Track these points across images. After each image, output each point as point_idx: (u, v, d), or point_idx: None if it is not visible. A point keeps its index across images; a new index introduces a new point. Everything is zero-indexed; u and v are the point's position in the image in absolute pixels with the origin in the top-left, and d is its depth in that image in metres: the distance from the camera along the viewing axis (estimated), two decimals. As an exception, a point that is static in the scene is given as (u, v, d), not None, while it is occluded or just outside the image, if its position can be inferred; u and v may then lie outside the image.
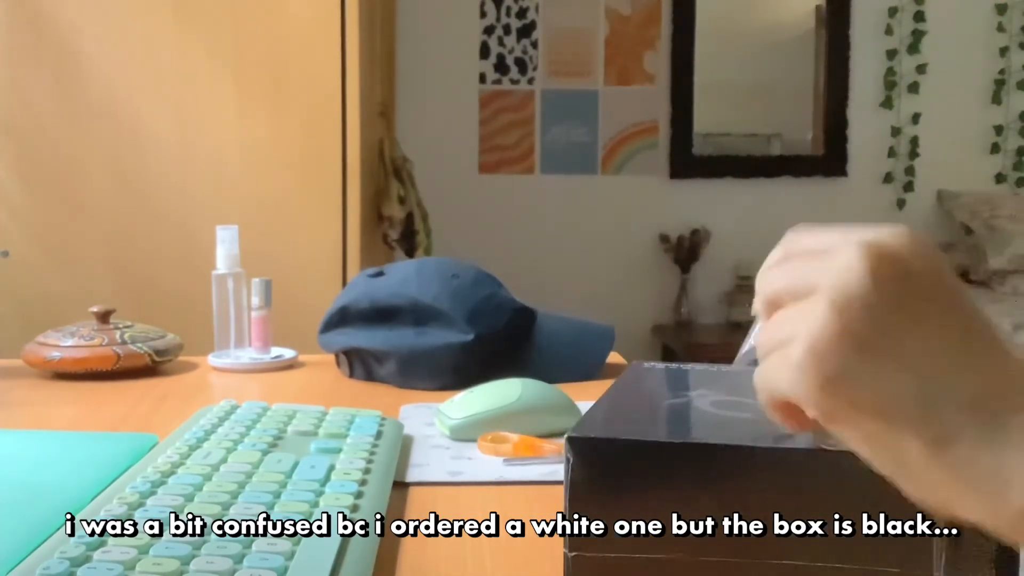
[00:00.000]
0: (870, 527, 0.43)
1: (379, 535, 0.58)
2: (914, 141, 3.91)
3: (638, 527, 0.45)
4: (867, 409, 0.35)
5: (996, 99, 3.91)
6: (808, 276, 0.37)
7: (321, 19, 1.80)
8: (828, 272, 0.36)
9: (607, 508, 0.45)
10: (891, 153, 3.93)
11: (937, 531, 0.42)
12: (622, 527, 0.45)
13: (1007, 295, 3.45)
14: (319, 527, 0.55)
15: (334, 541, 0.54)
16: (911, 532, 0.43)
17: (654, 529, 0.44)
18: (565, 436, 0.46)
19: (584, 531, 0.45)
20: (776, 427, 0.48)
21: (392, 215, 2.22)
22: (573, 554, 0.45)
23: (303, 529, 0.55)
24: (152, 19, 1.79)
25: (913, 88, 3.89)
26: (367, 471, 0.68)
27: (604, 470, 0.45)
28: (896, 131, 3.92)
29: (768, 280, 0.39)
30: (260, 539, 0.53)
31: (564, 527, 0.45)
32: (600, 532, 0.45)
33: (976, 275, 3.66)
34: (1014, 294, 3.44)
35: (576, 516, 0.45)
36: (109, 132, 1.80)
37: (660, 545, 0.45)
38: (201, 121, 1.80)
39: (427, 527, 0.64)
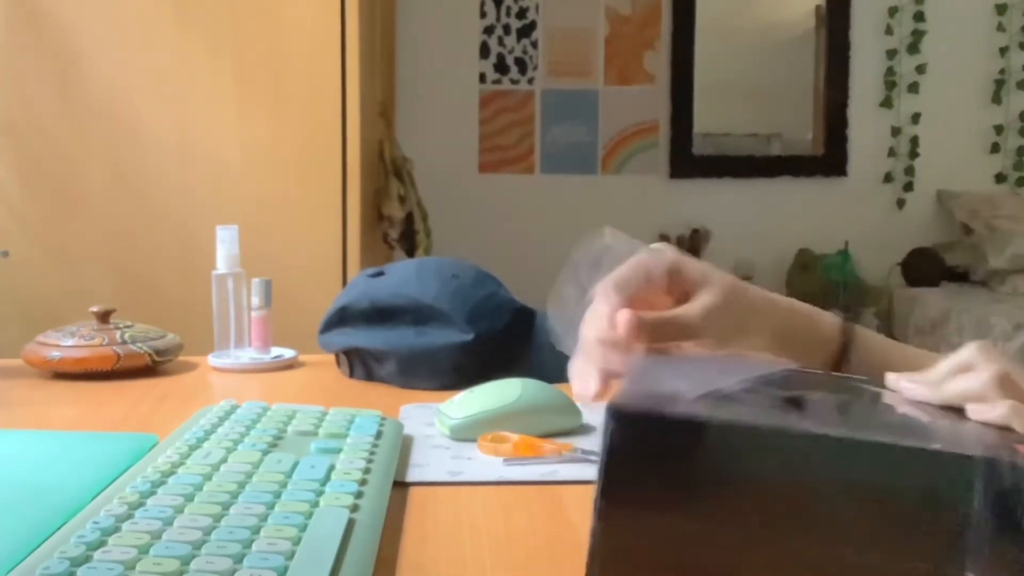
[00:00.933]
0: (907, 523, 0.43)
1: (379, 535, 0.58)
2: (914, 141, 3.92)
3: (673, 499, 0.45)
4: None
5: (996, 99, 3.91)
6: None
7: (321, 19, 1.80)
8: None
9: (643, 479, 0.45)
10: (891, 153, 3.93)
11: (970, 526, 0.42)
12: (658, 499, 0.45)
13: (1007, 295, 3.45)
14: (319, 527, 0.55)
15: (334, 541, 0.54)
16: (944, 532, 0.43)
17: (687, 503, 0.45)
18: (606, 405, 0.46)
19: (617, 500, 0.45)
20: (811, 414, 0.48)
21: (392, 215, 2.22)
22: (603, 523, 0.45)
23: (303, 529, 0.55)
24: (152, 19, 1.79)
25: (913, 88, 3.90)
26: (367, 471, 0.68)
27: (646, 444, 0.45)
28: (896, 131, 3.92)
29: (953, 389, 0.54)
30: (260, 539, 0.53)
31: (598, 492, 0.45)
32: (634, 502, 0.45)
33: (976, 275, 3.66)
34: (1014, 294, 3.44)
35: (611, 485, 0.45)
36: (109, 132, 1.80)
37: (691, 519, 0.45)
38: (201, 121, 1.80)
39: (427, 527, 0.64)
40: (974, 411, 0.52)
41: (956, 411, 0.52)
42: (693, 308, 0.62)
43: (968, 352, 0.55)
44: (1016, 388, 0.52)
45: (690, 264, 0.65)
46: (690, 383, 0.51)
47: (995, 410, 0.51)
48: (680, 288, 0.64)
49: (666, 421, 0.46)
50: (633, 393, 0.49)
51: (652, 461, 0.45)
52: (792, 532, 0.44)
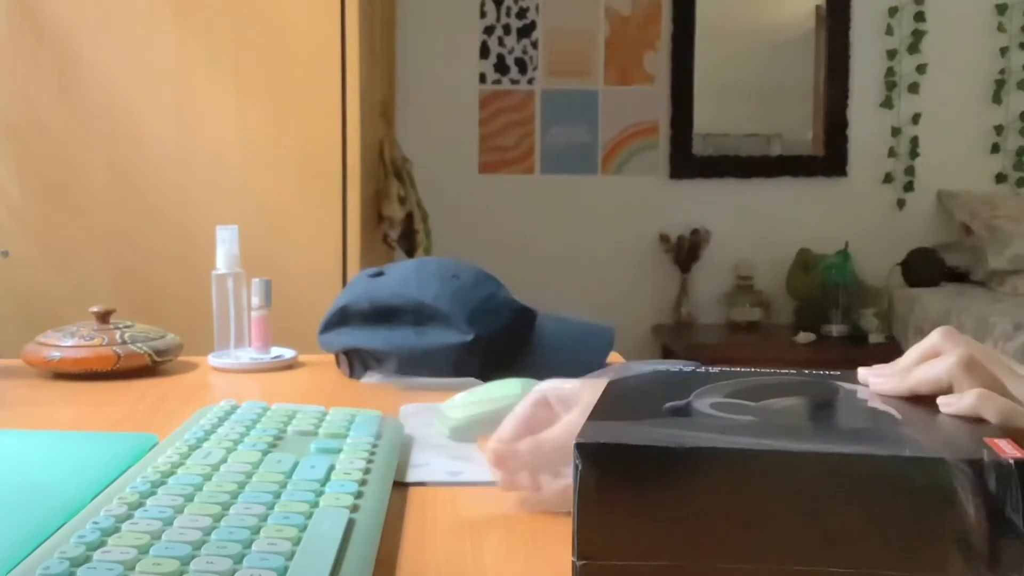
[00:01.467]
0: (882, 531, 0.42)
1: (379, 535, 0.58)
2: (914, 141, 3.91)
3: (648, 534, 0.44)
4: None
5: (996, 99, 3.91)
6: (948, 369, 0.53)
7: (321, 19, 1.80)
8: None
9: (617, 515, 0.44)
10: (891, 153, 3.93)
11: (950, 529, 0.42)
12: (632, 534, 0.44)
13: (1007, 295, 3.45)
14: (319, 527, 0.55)
15: (334, 541, 0.54)
16: (925, 536, 0.42)
17: (664, 536, 0.44)
18: (573, 442, 0.45)
19: (593, 539, 0.44)
20: (778, 429, 0.48)
21: (392, 215, 2.22)
22: (582, 563, 0.45)
23: (303, 529, 0.55)
24: (152, 19, 1.79)
25: (913, 88, 3.89)
26: (367, 471, 0.68)
27: (615, 476, 0.44)
28: (896, 131, 3.92)
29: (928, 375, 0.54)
30: (260, 539, 0.53)
31: (573, 535, 0.45)
32: (610, 540, 0.44)
33: (976, 275, 3.66)
34: (1014, 294, 3.44)
35: (585, 524, 0.44)
36: (109, 132, 1.80)
37: (671, 552, 0.44)
38: (201, 121, 1.81)
39: (427, 527, 0.64)
40: (944, 404, 0.51)
41: (930, 405, 0.52)
42: (556, 430, 0.64)
43: (933, 338, 0.55)
44: (982, 371, 0.52)
45: (560, 392, 0.67)
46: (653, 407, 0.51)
47: (963, 401, 0.50)
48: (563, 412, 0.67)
49: (634, 450, 0.45)
50: (597, 428, 0.48)
51: (624, 495, 0.44)
52: (773, 556, 0.43)
